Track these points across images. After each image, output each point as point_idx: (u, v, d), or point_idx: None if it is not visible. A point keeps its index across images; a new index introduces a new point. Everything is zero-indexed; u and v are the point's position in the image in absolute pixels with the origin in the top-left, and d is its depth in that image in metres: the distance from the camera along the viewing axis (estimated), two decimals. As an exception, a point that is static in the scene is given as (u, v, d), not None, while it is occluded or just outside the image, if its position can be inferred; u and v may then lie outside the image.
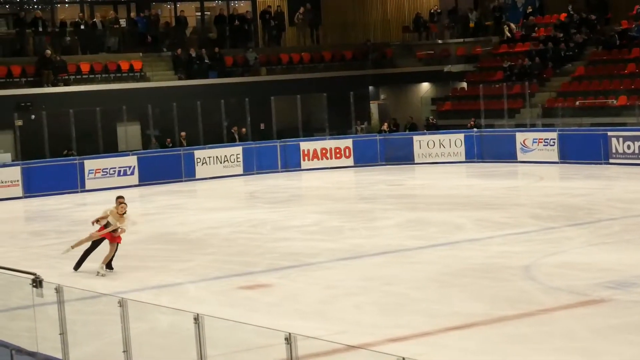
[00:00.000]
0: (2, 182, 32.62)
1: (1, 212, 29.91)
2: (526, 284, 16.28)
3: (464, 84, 45.35)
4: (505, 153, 35.95)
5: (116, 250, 19.07)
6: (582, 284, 15.97)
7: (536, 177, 31.75)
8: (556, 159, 34.50)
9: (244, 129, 38.66)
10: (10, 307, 14.37)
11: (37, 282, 12.30)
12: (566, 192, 28.26)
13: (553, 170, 33.45)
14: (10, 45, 39.73)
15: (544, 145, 34.99)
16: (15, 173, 32.98)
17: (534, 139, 35.38)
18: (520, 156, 35.61)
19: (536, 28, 44.82)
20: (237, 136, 38.50)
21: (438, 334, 13.48)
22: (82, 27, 40.86)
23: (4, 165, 33.32)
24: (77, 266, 19.21)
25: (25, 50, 39.49)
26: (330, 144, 38.00)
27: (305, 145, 37.85)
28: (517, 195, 28.82)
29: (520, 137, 35.77)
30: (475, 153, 36.64)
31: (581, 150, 34.06)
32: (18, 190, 32.84)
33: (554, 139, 34.69)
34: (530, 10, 46.18)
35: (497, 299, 15.23)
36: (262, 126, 39.95)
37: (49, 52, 37.68)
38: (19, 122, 36.01)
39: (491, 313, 14.38)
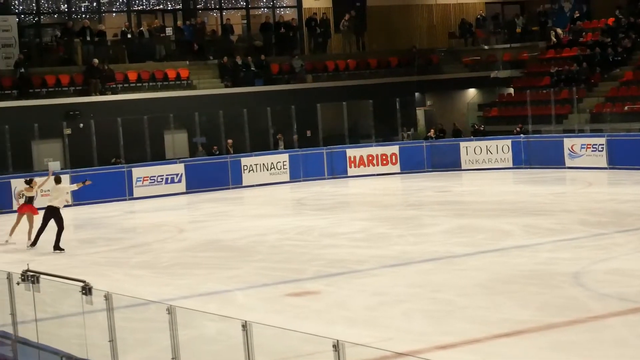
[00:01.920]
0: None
1: (51, 221, 30.10)
2: (576, 290, 16.14)
3: (511, 90, 45.13)
4: (553, 159, 35.70)
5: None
6: (633, 290, 15.80)
7: (584, 183, 31.50)
8: (604, 165, 34.20)
9: (279, 135, 38.62)
10: (61, 315, 14.47)
11: (87, 290, 12.37)
12: (615, 197, 28.00)
13: (601, 176, 33.17)
14: (59, 55, 40.10)
15: (592, 150, 34.70)
16: (63, 181, 33.18)
17: (582, 145, 35.09)
18: (568, 162, 35.34)
19: (583, 33, 44.49)
20: (281, 143, 38.57)
21: (487, 341, 13.39)
22: (129, 36, 41.16)
23: (54, 174, 33.55)
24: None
25: (73, 59, 39.85)
26: (376, 150, 37.96)
27: (352, 152, 37.83)
28: (565, 201, 28.59)
29: (568, 142, 35.51)
30: (523, 159, 36.42)
31: (630, 156, 33.72)
32: (67, 198, 33.07)
33: (602, 145, 34.39)
34: (578, 15, 45.86)
35: (547, 306, 15.10)
36: (309, 133, 40.00)
37: (96, 61, 37.99)
38: (68, 131, 36.32)
39: (540, 320, 14.26)
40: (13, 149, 34.74)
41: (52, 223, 23.44)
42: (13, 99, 36.84)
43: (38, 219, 24.02)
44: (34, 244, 23.63)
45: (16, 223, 24.70)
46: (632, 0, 43.80)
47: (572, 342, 13.16)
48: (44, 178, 24.73)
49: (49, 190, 24.70)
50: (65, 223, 30.05)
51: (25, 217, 24.41)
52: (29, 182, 24.61)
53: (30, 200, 24.25)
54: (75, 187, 25.10)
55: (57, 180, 24.22)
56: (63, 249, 23.17)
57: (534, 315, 14.58)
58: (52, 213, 23.31)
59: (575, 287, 16.34)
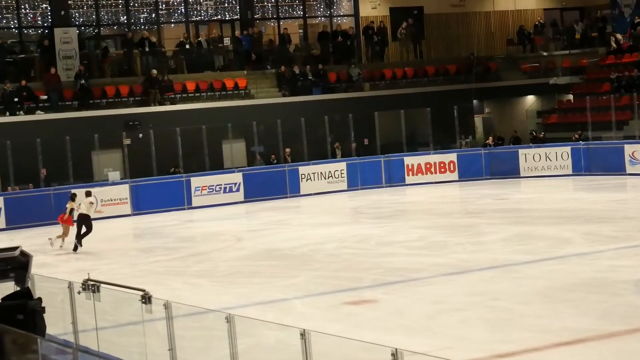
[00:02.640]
0: (111, 200, 33.28)
1: (111, 230, 30.47)
2: (637, 298, 15.96)
3: (570, 96, 44.74)
4: (614, 165, 35.33)
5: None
6: (696, 298, 15.60)
7: (646, 190, 31.16)
8: (666, 171, 33.81)
9: (337, 144, 38.70)
10: (121, 323, 14.61)
11: (146, 299, 12.47)
12: (677, 204, 27.66)
13: (663, 183, 32.78)
14: (119, 65, 40.51)
15: (654, 157, 34.33)
16: (124, 191, 33.62)
17: (643, 151, 34.73)
18: (629, 168, 34.95)
19: (644, 38, 44.01)
20: (339, 152, 38.61)
21: (547, 350, 13.28)
22: (188, 46, 41.47)
23: (114, 184, 33.98)
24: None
25: (132, 70, 40.23)
26: (434, 158, 37.83)
27: (410, 160, 37.75)
28: (626, 208, 28.27)
29: (628, 149, 35.12)
30: (583, 166, 36.08)
31: (692, 162, 33.32)
32: (127, 208, 33.46)
33: (664, 151, 34.01)
34: (638, 20, 45.36)
35: (608, 314, 14.94)
36: (366, 141, 39.99)
37: (154, 72, 38.31)
38: (127, 141, 36.64)
39: (601, 328, 14.11)
40: (74, 160, 35.13)
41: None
42: (73, 109, 37.27)
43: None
44: (76, 248, 26.00)
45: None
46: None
47: (635, 351, 13.01)
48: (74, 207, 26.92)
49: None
50: (125, 232, 30.60)
51: (64, 226, 26.87)
52: (72, 198, 27.29)
53: (71, 212, 26.78)
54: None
55: (88, 194, 27.37)
56: (81, 246, 25.93)
57: (594, 323, 14.44)
58: (84, 220, 26.26)
59: (637, 295, 16.16)
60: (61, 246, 26.43)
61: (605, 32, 46.38)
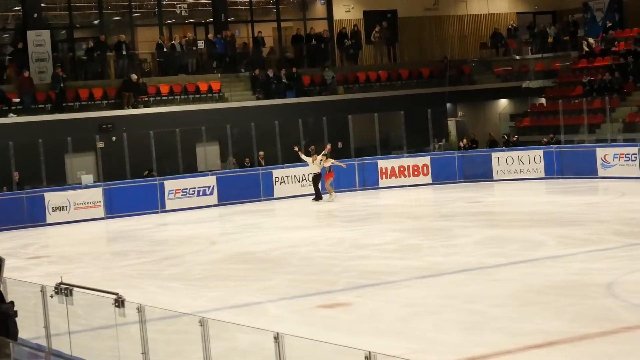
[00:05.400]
0: (84, 203, 33.15)
1: (84, 233, 30.38)
2: (609, 301, 16.05)
3: (543, 100, 44.98)
4: (586, 169, 35.51)
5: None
6: (667, 301, 15.71)
7: (618, 193, 31.31)
8: (638, 175, 33.96)
9: (311, 147, 38.76)
10: (94, 327, 14.56)
11: (120, 302, 12.43)
12: (649, 207, 27.82)
13: (635, 186, 32.93)
14: (92, 69, 40.37)
15: (625, 160, 34.50)
16: (97, 194, 33.50)
17: (614, 155, 34.90)
18: (601, 172, 35.16)
19: (616, 42, 44.27)
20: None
21: (520, 352, 13.34)
22: (161, 49, 41.40)
23: (87, 187, 33.87)
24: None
25: (106, 72, 40.10)
26: (408, 161, 37.92)
27: (383, 163, 37.82)
28: (598, 211, 28.43)
29: (600, 152, 35.33)
30: (555, 169, 36.26)
31: (664, 165, 33.51)
32: (100, 211, 33.36)
33: (636, 154, 34.19)
34: (610, 24, 45.67)
35: (580, 317, 15.02)
36: (340, 145, 40.03)
37: (134, 76, 38.18)
38: (101, 144, 36.54)
39: (574, 331, 14.19)
40: (47, 163, 34.99)
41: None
42: (47, 112, 37.12)
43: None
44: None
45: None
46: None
47: (606, 353, 13.08)
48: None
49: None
50: (98, 235, 30.48)
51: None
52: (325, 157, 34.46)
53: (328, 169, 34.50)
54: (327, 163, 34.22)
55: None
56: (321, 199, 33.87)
57: (567, 326, 14.51)
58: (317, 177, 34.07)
59: (608, 298, 16.25)
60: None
61: (577, 36, 46.68)
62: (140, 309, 12.21)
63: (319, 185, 34.46)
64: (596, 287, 16.97)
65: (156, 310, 13.10)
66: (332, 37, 45.08)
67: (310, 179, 35.29)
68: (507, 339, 14.05)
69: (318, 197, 34.45)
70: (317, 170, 34.39)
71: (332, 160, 34.72)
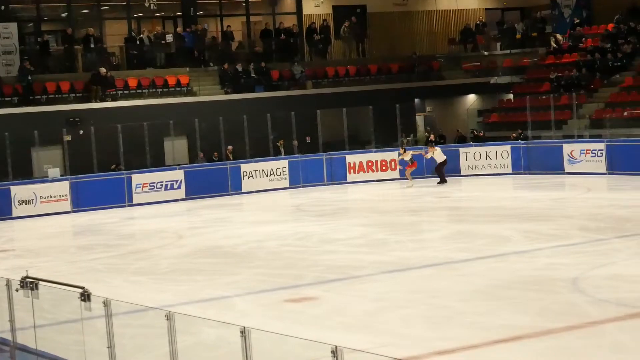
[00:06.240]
0: (51, 197, 32.96)
1: (50, 227, 30.22)
2: (574, 296, 16.15)
3: (511, 96, 45.18)
4: (553, 165, 35.70)
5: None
6: (631, 296, 15.82)
7: (584, 189, 31.51)
8: (604, 170, 34.22)
9: (295, 142, 38.87)
10: (60, 321, 14.48)
11: (86, 296, 12.38)
12: (614, 203, 28.00)
13: (601, 182, 33.18)
14: (59, 62, 40.14)
15: (592, 156, 34.72)
16: (64, 188, 33.30)
17: (581, 150, 35.11)
18: (568, 167, 35.36)
19: (583, 39, 44.54)
20: (282, 150, 38.67)
21: (485, 347, 13.40)
22: (130, 42, 41.22)
23: (53, 180, 33.66)
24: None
25: (73, 66, 39.89)
26: (376, 156, 37.96)
27: (351, 158, 37.84)
28: (564, 207, 28.58)
29: (567, 148, 35.52)
30: (522, 165, 36.43)
31: (629, 161, 33.70)
32: (67, 205, 33.17)
33: (602, 150, 34.42)
34: (577, 21, 45.93)
35: (545, 312, 15.11)
36: (308, 139, 40.04)
37: (103, 70, 37.99)
38: (68, 138, 36.37)
39: (539, 325, 14.27)
40: (13, 156, 34.79)
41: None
42: (13, 106, 36.89)
43: None
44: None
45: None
46: (632, 5, 43.83)
47: (570, 348, 13.17)
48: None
49: None
50: (65, 229, 30.32)
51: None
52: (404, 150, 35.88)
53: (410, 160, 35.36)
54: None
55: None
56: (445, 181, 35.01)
57: (532, 320, 14.60)
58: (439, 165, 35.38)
59: (574, 293, 16.36)
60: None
61: (545, 33, 46.91)
62: (106, 303, 12.17)
63: (437, 170, 35.57)
64: (562, 282, 17.07)
65: (122, 304, 13.05)
66: (302, 31, 45.07)
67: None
68: (473, 333, 14.11)
69: (442, 181, 35.38)
70: (441, 159, 35.33)
71: (411, 152, 35.82)
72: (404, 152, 35.85)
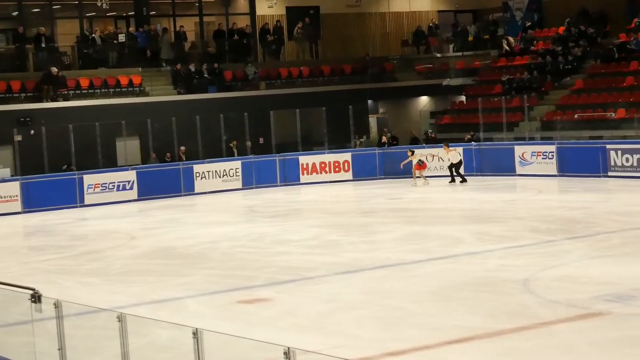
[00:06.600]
0: (1, 197, 32.63)
1: (0, 227, 29.92)
2: (525, 297, 16.28)
3: (463, 98, 45.45)
4: (504, 166, 35.96)
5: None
6: (581, 297, 15.96)
7: (535, 191, 31.76)
8: (555, 172, 34.52)
9: (248, 142, 38.84)
10: (9, 323, 14.37)
11: (36, 297, 12.29)
12: (565, 205, 28.27)
13: (552, 184, 33.48)
14: (10, 61, 39.78)
15: (543, 158, 35.01)
16: (14, 188, 32.99)
17: (532, 152, 35.39)
18: (519, 169, 35.63)
19: (535, 41, 44.92)
20: (235, 150, 38.61)
21: (437, 348, 13.47)
22: (81, 42, 40.94)
23: (3, 181, 33.33)
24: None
25: (24, 65, 39.55)
26: (329, 157, 38.02)
27: (304, 159, 37.87)
28: (515, 208, 28.82)
29: (519, 150, 35.79)
30: (474, 166, 36.64)
31: (580, 163, 34.04)
32: (17, 206, 32.86)
33: (553, 152, 34.72)
34: (529, 24, 46.31)
35: (496, 313, 15.22)
36: (261, 140, 40.01)
37: (55, 69, 37.68)
38: (18, 137, 36.05)
39: (490, 327, 14.38)
40: (-37, 156, 34.45)
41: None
42: (-38, 105, 36.52)
43: None
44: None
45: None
46: (583, 9, 44.26)
47: (521, 349, 13.27)
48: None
49: None
50: (16, 230, 30.04)
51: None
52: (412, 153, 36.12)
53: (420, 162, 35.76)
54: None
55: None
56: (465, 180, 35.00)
57: (484, 321, 14.70)
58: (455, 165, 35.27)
59: (524, 294, 16.48)
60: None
61: (497, 35, 47.24)
62: (57, 305, 12.09)
63: (455, 171, 35.37)
64: (513, 284, 17.20)
65: (74, 305, 12.98)
66: (255, 32, 45.02)
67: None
68: (426, 334, 14.18)
69: (453, 180, 35.27)
70: (456, 159, 35.29)
71: (419, 156, 36.03)
72: (412, 154, 35.88)
